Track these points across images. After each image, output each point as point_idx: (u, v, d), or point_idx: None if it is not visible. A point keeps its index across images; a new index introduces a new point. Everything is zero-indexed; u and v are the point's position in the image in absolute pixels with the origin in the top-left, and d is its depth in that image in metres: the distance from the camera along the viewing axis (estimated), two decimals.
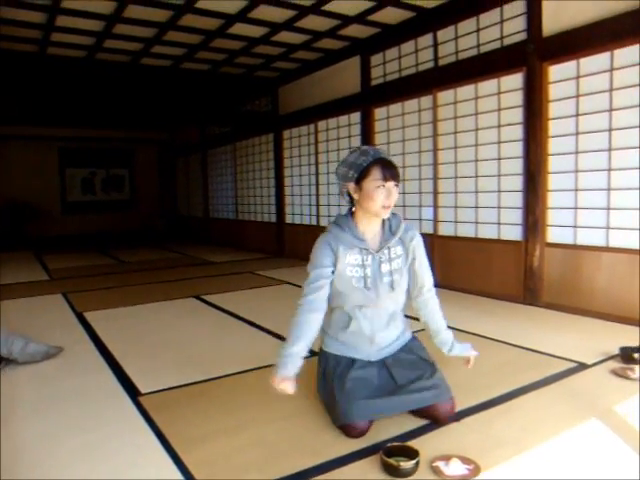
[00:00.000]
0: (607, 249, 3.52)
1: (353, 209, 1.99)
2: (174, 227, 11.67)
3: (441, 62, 4.67)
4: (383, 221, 2.01)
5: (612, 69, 3.42)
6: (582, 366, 2.61)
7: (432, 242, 4.78)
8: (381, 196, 1.85)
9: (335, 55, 5.91)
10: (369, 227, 1.97)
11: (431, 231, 4.86)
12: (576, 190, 3.69)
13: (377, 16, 4.75)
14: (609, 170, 3.48)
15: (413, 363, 2.05)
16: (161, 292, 4.89)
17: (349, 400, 1.86)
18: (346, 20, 4.85)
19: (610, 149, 3.47)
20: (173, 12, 4.53)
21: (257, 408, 2.19)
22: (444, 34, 4.62)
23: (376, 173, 1.84)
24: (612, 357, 2.71)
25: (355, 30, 5.15)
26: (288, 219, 7.33)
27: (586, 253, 3.64)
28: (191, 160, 10.87)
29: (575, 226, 3.71)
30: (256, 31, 5.14)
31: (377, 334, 2.04)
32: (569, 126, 3.70)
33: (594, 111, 3.54)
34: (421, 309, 2.13)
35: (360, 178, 1.86)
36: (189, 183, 11.10)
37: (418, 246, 2.06)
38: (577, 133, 3.65)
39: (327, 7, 4.51)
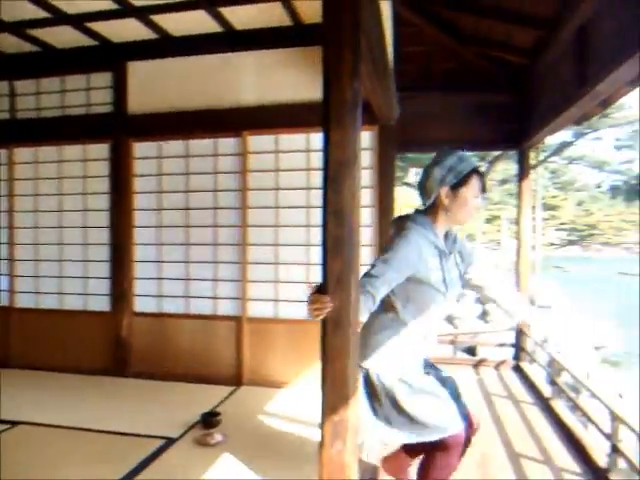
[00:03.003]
0: (187, 316, 3.88)
1: (426, 212, 1.83)
2: None
3: (20, 115, 4.25)
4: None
5: (188, 155, 3.89)
6: (170, 441, 2.73)
7: (6, 318, 4.21)
8: (475, 207, 1.79)
9: None
10: (441, 233, 1.85)
11: (6, 304, 4.26)
12: (160, 262, 3.94)
13: None
14: (187, 244, 3.89)
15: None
16: None
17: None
18: None
19: (188, 225, 3.88)
20: None
21: None
22: (24, 86, 4.23)
23: (476, 184, 1.77)
24: (195, 425, 2.95)
25: None
26: None
27: (170, 320, 3.90)
28: None
29: (160, 295, 3.94)
30: None
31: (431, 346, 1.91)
32: (152, 201, 3.95)
33: (175, 190, 3.91)
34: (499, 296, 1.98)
35: (458, 185, 1.75)
36: None
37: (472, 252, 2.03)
38: (160, 209, 3.94)
39: None
